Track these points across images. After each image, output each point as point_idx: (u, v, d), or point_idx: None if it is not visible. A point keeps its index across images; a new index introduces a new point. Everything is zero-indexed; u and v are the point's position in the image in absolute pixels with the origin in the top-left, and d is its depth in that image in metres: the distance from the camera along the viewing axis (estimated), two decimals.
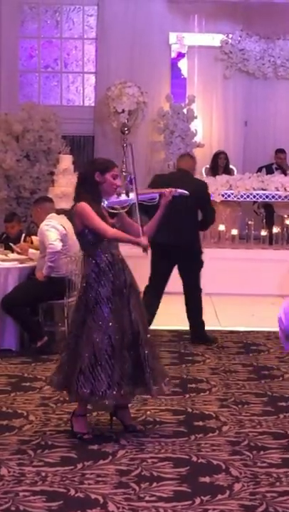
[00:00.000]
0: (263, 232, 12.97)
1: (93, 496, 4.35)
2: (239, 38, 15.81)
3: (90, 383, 5.25)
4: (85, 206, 5.36)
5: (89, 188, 5.45)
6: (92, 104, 16.28)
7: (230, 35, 15.86)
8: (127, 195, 5.44)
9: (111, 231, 5.37)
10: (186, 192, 5.91)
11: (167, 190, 5.66)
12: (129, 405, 5.76)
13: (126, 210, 5.52)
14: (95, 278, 5.41)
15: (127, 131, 14.96)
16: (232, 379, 7.09)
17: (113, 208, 5.46)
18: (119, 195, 5.49)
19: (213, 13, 15.75)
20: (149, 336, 5.53)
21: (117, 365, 5.30)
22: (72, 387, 5.35)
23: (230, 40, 15.85)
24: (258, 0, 15.54)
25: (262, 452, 5.14)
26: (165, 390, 5.64)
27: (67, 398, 5.85)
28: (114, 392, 5.27)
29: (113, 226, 5.42)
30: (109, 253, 5.44)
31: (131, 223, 5.60)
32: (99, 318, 5.36)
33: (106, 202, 5.44)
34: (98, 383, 5.24)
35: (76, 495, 4.38)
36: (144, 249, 5.42)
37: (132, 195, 5.44)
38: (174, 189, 5.69)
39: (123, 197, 5.46)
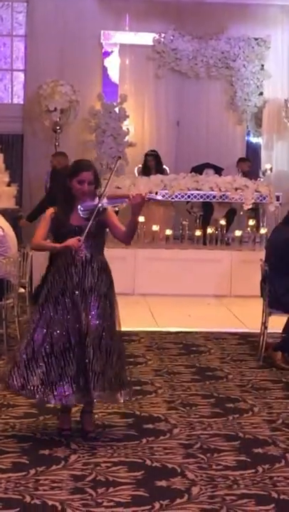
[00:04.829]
0: (198, 232, 12.93)
1: (50, 503, 4.26)
2: (172, 38, 15.71)
3: (23, 378, 5.25)
4: (47, 212, 5.55)
5: (62, 193, 5.59)
6: (21, 102, 16.02)
7: (163, 35, 15.75)
8: (99, 198, 5.38)
9: (34, 241, 5.56)
10: (157, 197, 5.89)
11: (134, 193, 5.63)
12: (76, 408, 5.64)
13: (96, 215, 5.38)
14: (49, 276, 5.45)
15: (59, 130, 14.81)
16: (176, 380, 7.03)
17: (87, 213, 5.36)
18: (100, 197, 5.40)
19: (144, 12, 15.62)
20: (107, 342, 5.36)
21: (57, 365, 5.23)
22: (5, 377, 5.41)
23: (162, 40, 15.74)
24: None
25: (216, 455, 5.10)
26: (118, 398, 5.48)
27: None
28: (48, 390, 5.21)
29: (89, 230, 5.31)
30: (70, 255, 5.36)
31: (115, 225, 5.52)
32: (43, 317, 5.34)
33: (80, 207, 5.37)
34: (31, 378, 5.23)
35: (33, 501, 4.27)
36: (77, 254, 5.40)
37: (104, 200, 5.38)
38: (144, 193, 5.70)
39: (96, 201, 5.39)
